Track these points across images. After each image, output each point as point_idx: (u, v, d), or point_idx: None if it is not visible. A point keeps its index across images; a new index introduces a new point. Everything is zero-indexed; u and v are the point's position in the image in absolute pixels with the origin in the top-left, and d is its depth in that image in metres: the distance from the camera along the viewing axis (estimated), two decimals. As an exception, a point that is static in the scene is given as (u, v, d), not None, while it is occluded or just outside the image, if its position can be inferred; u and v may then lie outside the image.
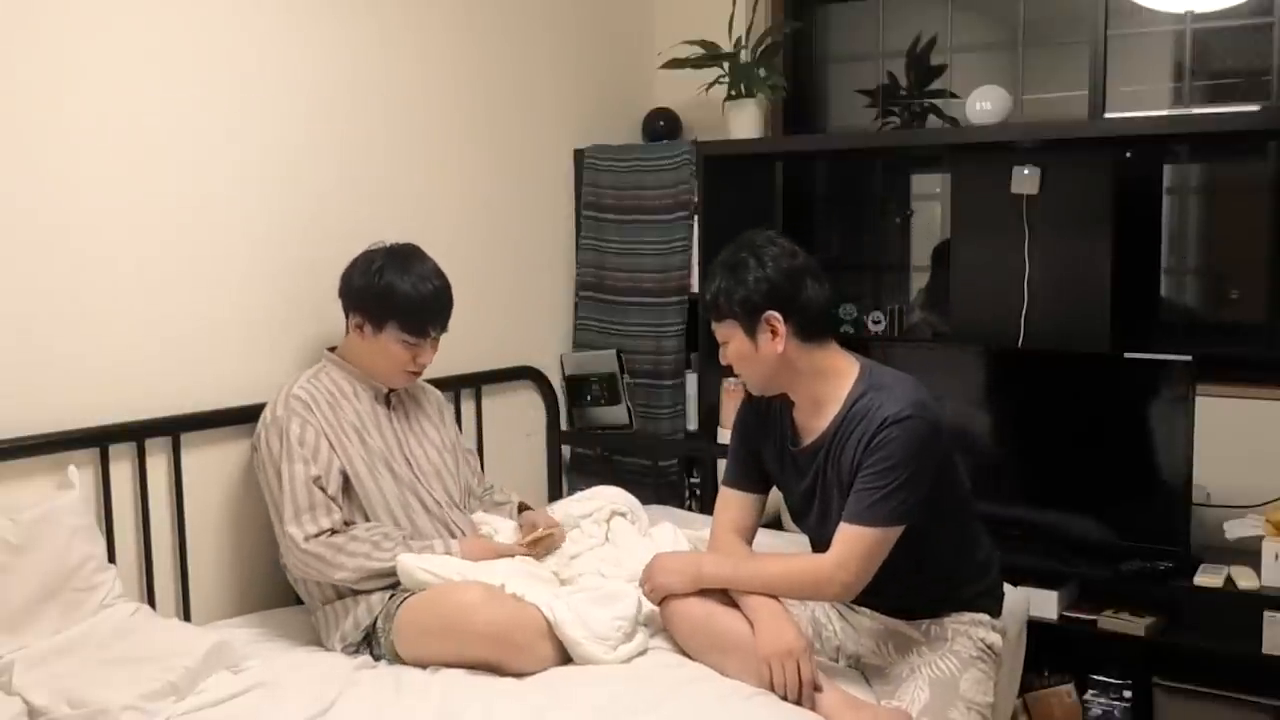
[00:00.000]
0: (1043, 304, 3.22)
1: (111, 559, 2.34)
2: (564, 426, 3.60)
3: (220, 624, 2.52)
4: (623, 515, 2.77)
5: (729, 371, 2.71)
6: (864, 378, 2.19)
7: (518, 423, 3.47)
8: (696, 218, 3.47)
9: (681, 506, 3.45)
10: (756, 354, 2.19)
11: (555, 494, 3.51)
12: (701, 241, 3.44)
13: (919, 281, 3.91)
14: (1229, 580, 2.76)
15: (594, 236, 3.61)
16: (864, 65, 3.94)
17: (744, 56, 3.56)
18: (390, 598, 2.37)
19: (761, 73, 3.55)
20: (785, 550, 2.50)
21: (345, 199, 2.89)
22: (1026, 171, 3.21)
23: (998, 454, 3.13)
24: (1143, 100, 3.53)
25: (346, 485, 2.47)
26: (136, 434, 2.43)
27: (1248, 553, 2.78)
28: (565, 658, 2.23)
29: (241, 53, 2.64)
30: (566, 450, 3.64)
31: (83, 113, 2.34)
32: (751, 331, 2.18)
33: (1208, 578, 2.77)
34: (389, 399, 2.66)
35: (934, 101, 3.75)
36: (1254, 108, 3.34)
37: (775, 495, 2.43)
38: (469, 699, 2.08)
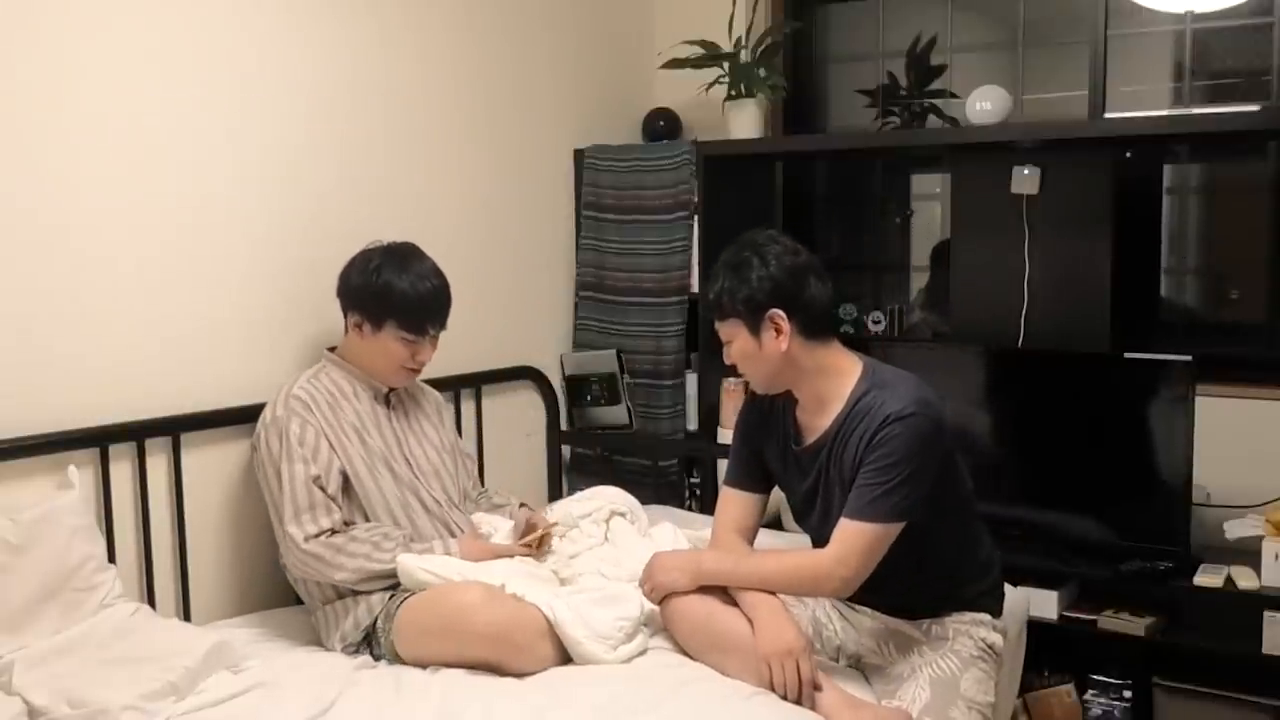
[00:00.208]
0: (1043, 304, 3.22)
1: (111, 559, 2.34)
2: (564, 426, 3.60)
3: (220, 624, 2.52)
4: (622, 515, 2.77)
5: (729, 372, 2.71)
6: (867, 376, 2.19)
7: (518, 423, 3.47)
8: (696, 218, 3.47)
9: (681, 506, 3.45)
10: (760, 352, 2.19)
11: (555, 494, 3.51)
12: (701, 241, 3.44)
13: (919, 281, 3.91)
14: (1229, 580, 2.76)
15: (594, 236, 3.61)
16: (864, 65, 3.94)
17: (744, 56, 3.56)
18: (390, 598, 2.37)
19: (761, 73, 3.55)
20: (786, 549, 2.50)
21: (345, 199, 2.89)
22: (1026, 171, 3.21)
23: (998, 454, 3.13)
24: (1143, 100, 3.53)
25: (346, 485, 2.47)
26: (136, 434, 2.43)
27: (1248, 553, 2.78)
28: (565, 658, 2.23)
29: (241, 53, 2.64)
30: (566, 450, 3.64)
31: (83, 113, 2.34)
32: (755, 330, 2.18)
33: (1208, 578, 2.77)
34: (388, 399, 2.66)
35: (934, 101, 3.75)
36: (1254, 108, 3.34)
37: (775, 495, 2.43)
38: (469, 699, 2.08)
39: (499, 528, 2.67)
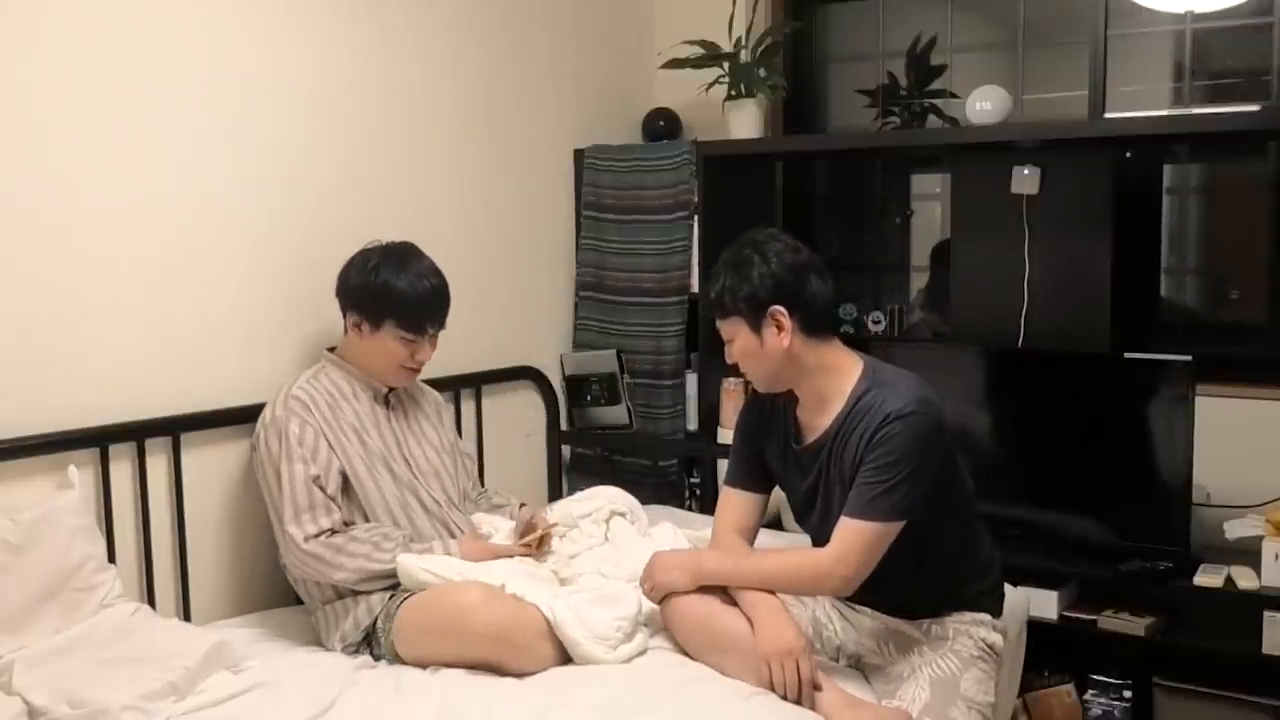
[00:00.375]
0: (1043, 304, 3.22)
1: (111, 559, 2.34)
2: (564, 426, 3.60)
3: (220, 624, 2.52)
4: (622, 515, 2.77)
5: (729, 372, 2.71)
6: (868, 375, 2.19)
7: (518, 423, 3.47)
8: (696, 218, 3.47)
9: (681, 506, 3.45)
10: (762, 350, 2.20)
11: (555, 494, 3.50)
12: (701, 241, 3.44)
13: (919, 281, 3.91)
14: (1229, 580, 2.76)
15: (594, 236, 3.61)
16: (864, 65, 3.94)
17: (744, 56, 3.56)
18: (390, 598, 2.37)
19: (761, 73, 3.55)
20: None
21: (345, 199, 2.89)
22: (1026, 171, 3.21)
23: (998, 454, 3.13)
24: (1143, 100, 3.53)
25: (346, 485, 2.47)
26: (136, 434, 2.43)
27: (1248, 553, 2.78)
28: (565, 658, 2.23)
29: (241, 53, 2.64)
30: (566, 450, 3.64)
31: (83, 113, 2.34)
32: (757, 327, 2.19)
33: (1208, 578, 2.77)
34: (388, 399, 2.65)
35: (934, 101, 3.75)
36: (1254, 108, 3.34)
37: (776, 495, 2.43)
38: (469, 699, 2.08)
39: (499, 528, 2.67)
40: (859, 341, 3.16)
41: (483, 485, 2.98)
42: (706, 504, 3.39)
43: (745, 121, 3.55)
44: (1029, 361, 3.18)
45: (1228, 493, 2.92)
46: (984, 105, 3.14)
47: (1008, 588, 2.40)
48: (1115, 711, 2.88)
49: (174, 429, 2.50)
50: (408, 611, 2.31)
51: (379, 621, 2.36)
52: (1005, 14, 3.70)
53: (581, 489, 2.99)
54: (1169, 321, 3.48)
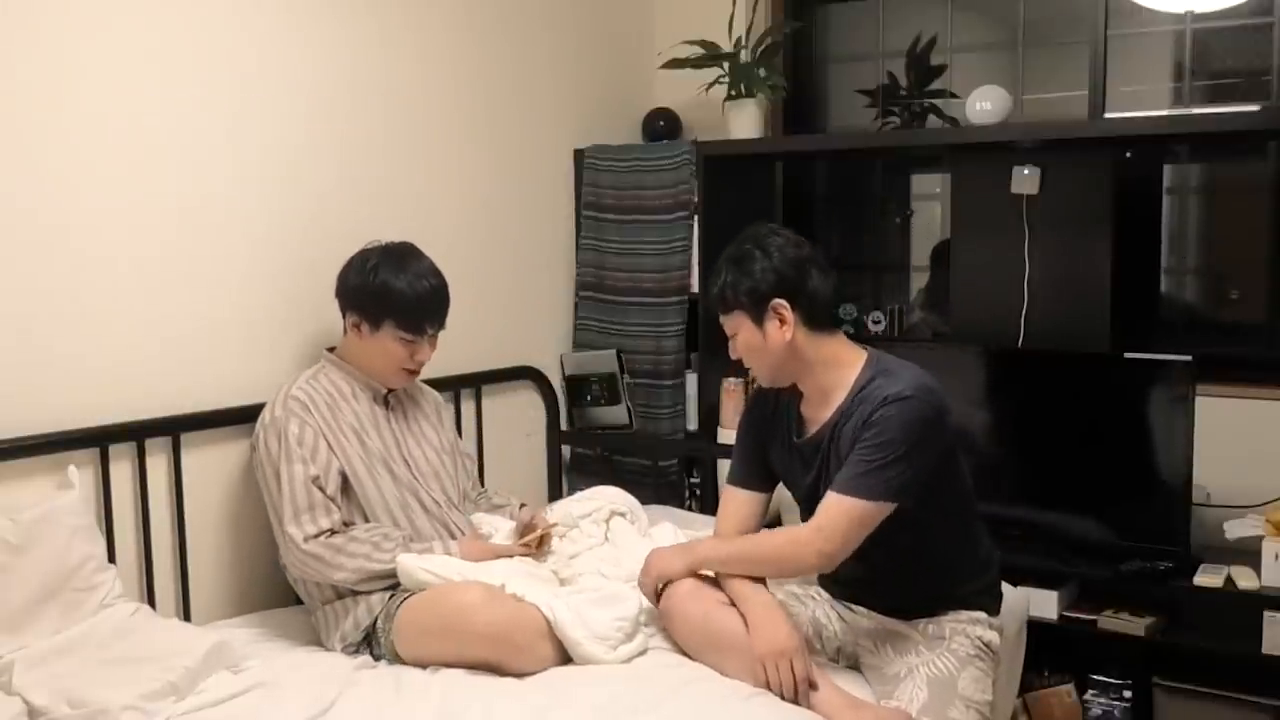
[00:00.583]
0: (1043, 304, 3.22)
1: (111, 559, 2.34)
2: (564, 426, 3.60)
3: (220, 624, 2.52)
4: (622, 515, 2.77)
5: (729, 371, 2.71)
6: (871, 365, 2.20)
7: (518, 423, 3.47)
8: (696, 218, 3.47)
9: (681, 506, 3.45)
10: (765, 344, 2.20)
11: (555, 494, 3.51)
12: (701, 241, 3.44)
13: (919, 281, 3.91)
14: (1229, 580, 2.76)
15: (594, 236, 3.61)
16: (864, 65, 3.94)
17: (744, 56, 3.56)
18: (390, 598, 2.37)
19: (761, 73, 3.55)
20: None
21: (345, 199, 2.89)
22: (1026, 171, 3.21)
23: (998, 454, 3.13)
24: (1143, 100, 3.53)
25: (345, 486, 2.47)
26: (136, 434, 2.43)
27: (1248, 553, 2.78)
28: (565, 658, 2.23)
29: (241, 53, 2.64)
30: (566, 450, 3.64)
31: (83, 113, 2.34)
32: (759, 321, 2.19)
33: (1208, 578, 2.77)
34: (387, 400, 2.65)
35: (934, 101, 3.75)
36: (1254, 108, 3.34)
37: (776, 496, 2.43)
38: (469, 699, 2.08)
39: (499, 528, 2.67)
40: (859, 342, 3.16)
41: (483, 485, 2.98)
42: (706, 504, 3.39)
43: (745, 121, 3.55)
44: (1029, 361, 3.18)
45: (1228, 493, 2.93)
46: (984, 105, 3.14)
47: (1007, 587, 2.40)
48: (1115, 711, 2.88)
49: (174, 429, 2.50)
50: (408, 611, 2.32)
51: (379, 621, 2.36)
52: (1005, 14, 3.70)
53: (581, 489, 2.99)
54: (1169, 321, 3.48)
